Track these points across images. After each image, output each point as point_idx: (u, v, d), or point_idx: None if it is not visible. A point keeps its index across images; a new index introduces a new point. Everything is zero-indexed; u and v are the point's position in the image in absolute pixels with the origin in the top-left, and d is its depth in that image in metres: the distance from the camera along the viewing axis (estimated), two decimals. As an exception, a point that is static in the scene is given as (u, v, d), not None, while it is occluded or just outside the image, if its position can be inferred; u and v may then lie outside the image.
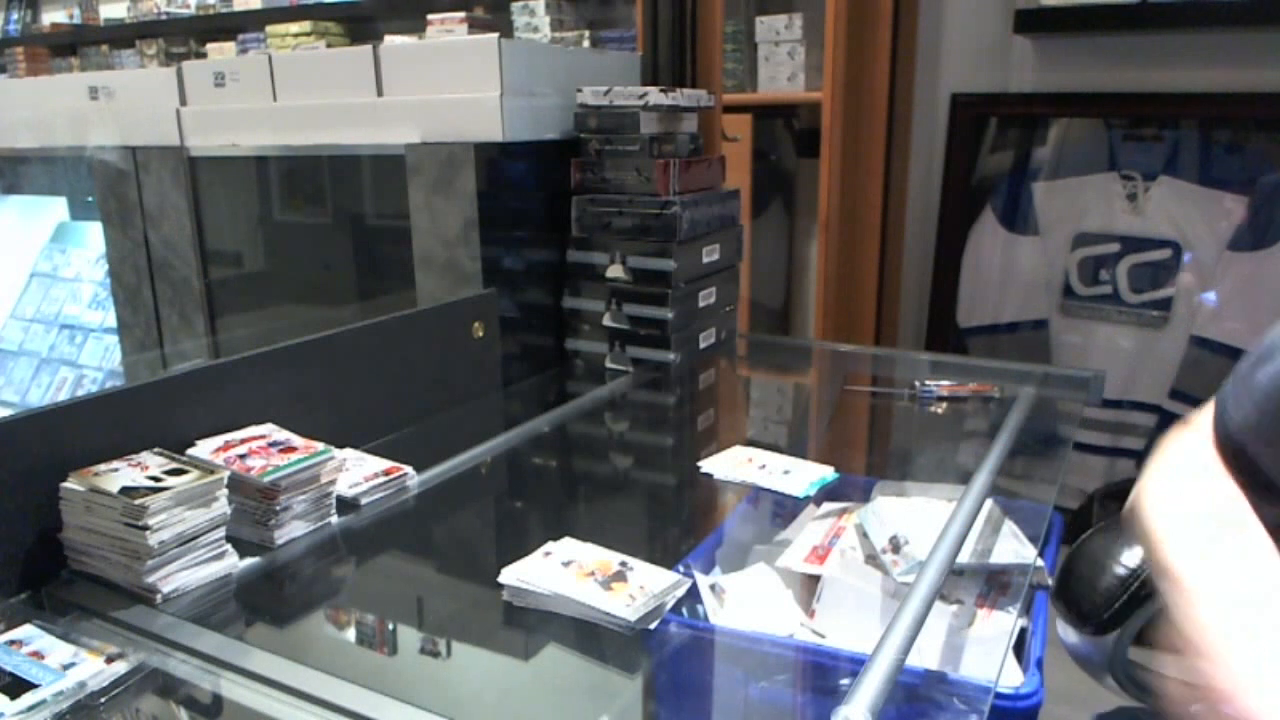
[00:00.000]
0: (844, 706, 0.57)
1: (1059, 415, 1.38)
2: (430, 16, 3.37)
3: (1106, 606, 0.67)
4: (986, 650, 0.76)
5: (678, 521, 1.10)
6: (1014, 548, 0.89)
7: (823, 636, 0.79)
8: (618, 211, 1.48)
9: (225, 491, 0.84)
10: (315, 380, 1.10)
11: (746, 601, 0.85)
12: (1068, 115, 2.44)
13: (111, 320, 1.98)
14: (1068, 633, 0.79)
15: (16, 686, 0.67)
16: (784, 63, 2.73)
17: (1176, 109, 2.31)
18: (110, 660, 0.71)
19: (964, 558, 0.66)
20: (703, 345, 1.57)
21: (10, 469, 0.80)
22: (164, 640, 0.75)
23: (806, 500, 1.00)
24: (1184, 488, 0.72)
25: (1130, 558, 0.68)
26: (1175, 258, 2.29)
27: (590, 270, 1.52)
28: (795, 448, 1.38)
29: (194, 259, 1.80)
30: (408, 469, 1.04)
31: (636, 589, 0.79)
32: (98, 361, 2.14)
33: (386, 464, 1.04)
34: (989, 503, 0.94)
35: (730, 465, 1.08)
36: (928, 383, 1.41)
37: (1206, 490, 0.71)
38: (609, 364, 1.53)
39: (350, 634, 0.84)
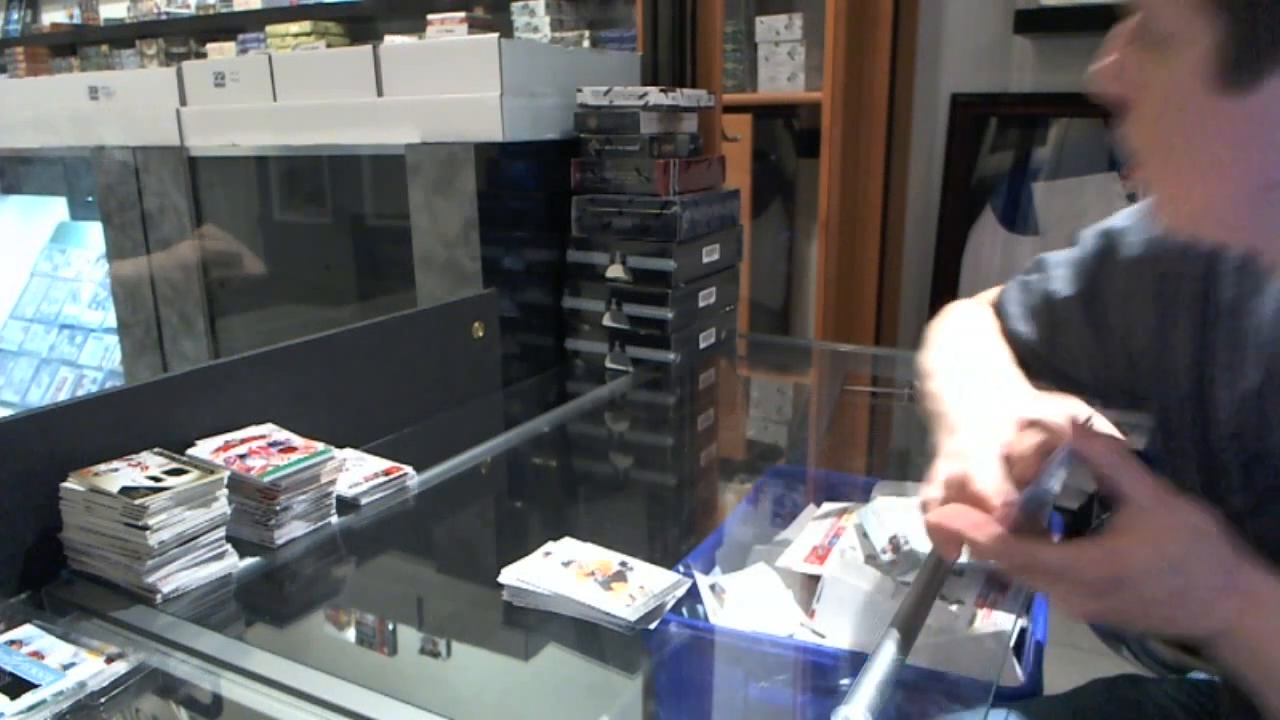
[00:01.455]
0: (844, 706, 0.56)
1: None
2: (430, 16, 3.37)
3: None
4: (986, 650, 0.76)
5: (678, 521, 1.10)
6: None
7: (823, 636, 0.79)
8: (618, 211, 1.48)
9: (225, 491, 0.84)
10: (315, 380, 1.10)
11: (746, 601, 0.85)
12: (1068, 115, 2.44)
13: (111, 320, 1.98)
14: None
15: (16, 686, 0.67)
16: (784, 63, 2.73)
17: (1176, 109, 2.30)
18: (110, 660, 0.71)
19: (963, 557, 0.66)
20: (703, 345, 1.57)
21: (10, 469, 0.80)
22: (164, 640, 0.75)
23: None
24: (952, 320, 0.90)
25: None
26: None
27: (590, 270, 1.52)
28: (796, 448, 1.39)
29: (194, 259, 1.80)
30: (408, 469, 1.05)
31: (636, 589, 0.79)
32: (98, 361, 2.14)
33: (386, 464, 1.04)
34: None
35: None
36: (928, 383, 1.41)
37: (966, 314, 0.89)
38: (609, 364, 1.53)
39: (350, 634, 0.84)
